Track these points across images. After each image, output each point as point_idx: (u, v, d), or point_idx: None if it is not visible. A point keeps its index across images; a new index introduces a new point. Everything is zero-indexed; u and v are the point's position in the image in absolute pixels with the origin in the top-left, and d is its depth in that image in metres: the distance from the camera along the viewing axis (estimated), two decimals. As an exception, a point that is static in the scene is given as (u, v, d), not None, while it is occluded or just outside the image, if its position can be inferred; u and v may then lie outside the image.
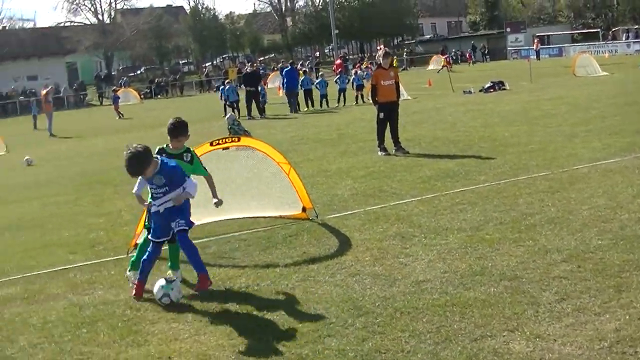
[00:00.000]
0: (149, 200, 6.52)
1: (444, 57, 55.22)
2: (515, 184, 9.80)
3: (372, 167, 12.59)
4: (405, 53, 72.85)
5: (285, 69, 30.18)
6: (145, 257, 6.47)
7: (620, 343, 4.61)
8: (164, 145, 6.95)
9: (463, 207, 8.75)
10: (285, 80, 28.69)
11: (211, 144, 8.03)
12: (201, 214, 8.53)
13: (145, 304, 6.29)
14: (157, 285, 6.25)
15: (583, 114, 17.36)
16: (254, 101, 27.40)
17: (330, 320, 5.49)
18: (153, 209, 6.43)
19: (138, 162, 6.08)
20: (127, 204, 11.06)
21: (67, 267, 7.79)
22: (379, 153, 13.93)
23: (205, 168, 7.09)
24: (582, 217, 7.71)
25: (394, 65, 14.58)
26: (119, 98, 39.76)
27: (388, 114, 13.83)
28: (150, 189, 6.43)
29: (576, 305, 5.28)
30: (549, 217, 7.81)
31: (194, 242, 6.45)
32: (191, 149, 7.04)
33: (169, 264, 6.92)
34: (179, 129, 6.90)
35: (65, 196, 12.69)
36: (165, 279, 6.31)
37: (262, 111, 27.40)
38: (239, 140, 8.56)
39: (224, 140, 8.13)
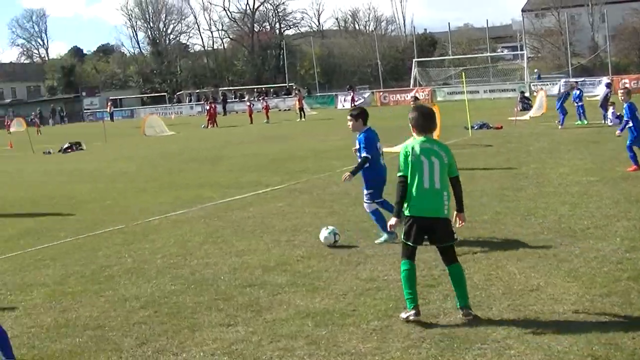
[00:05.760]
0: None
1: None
2: (94, 238, 10.08)
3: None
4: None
5: None
6: None
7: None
8: None
9: (45, 262, 8.73)
10: None
11: None
12: None
13: None
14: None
15: (152, 171, 18.49)
16: None
17: None
18: None
19: None
20: None
21: None
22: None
23: None
24: (156, 265, 8.32)
25: None
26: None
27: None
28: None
29: (156, 347, 5.67)
30: (127, 268, 8.25)
31: None
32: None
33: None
34: None
35: None
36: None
37: None
38: None
39: None
